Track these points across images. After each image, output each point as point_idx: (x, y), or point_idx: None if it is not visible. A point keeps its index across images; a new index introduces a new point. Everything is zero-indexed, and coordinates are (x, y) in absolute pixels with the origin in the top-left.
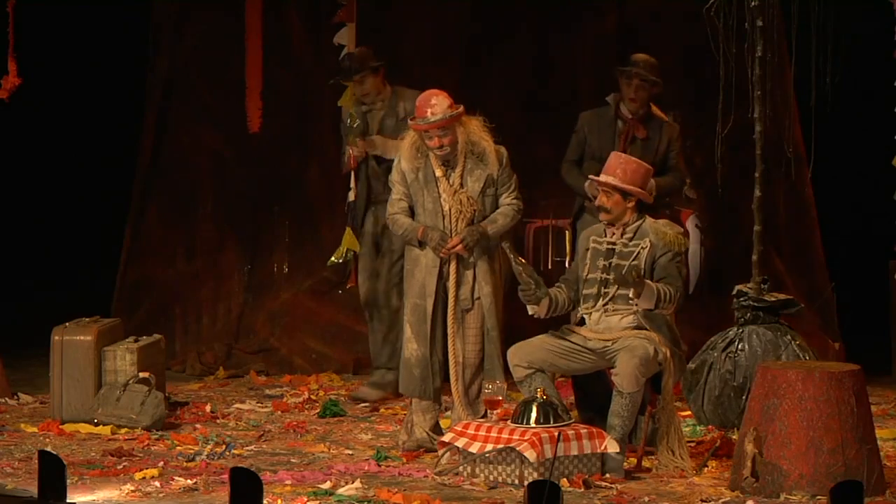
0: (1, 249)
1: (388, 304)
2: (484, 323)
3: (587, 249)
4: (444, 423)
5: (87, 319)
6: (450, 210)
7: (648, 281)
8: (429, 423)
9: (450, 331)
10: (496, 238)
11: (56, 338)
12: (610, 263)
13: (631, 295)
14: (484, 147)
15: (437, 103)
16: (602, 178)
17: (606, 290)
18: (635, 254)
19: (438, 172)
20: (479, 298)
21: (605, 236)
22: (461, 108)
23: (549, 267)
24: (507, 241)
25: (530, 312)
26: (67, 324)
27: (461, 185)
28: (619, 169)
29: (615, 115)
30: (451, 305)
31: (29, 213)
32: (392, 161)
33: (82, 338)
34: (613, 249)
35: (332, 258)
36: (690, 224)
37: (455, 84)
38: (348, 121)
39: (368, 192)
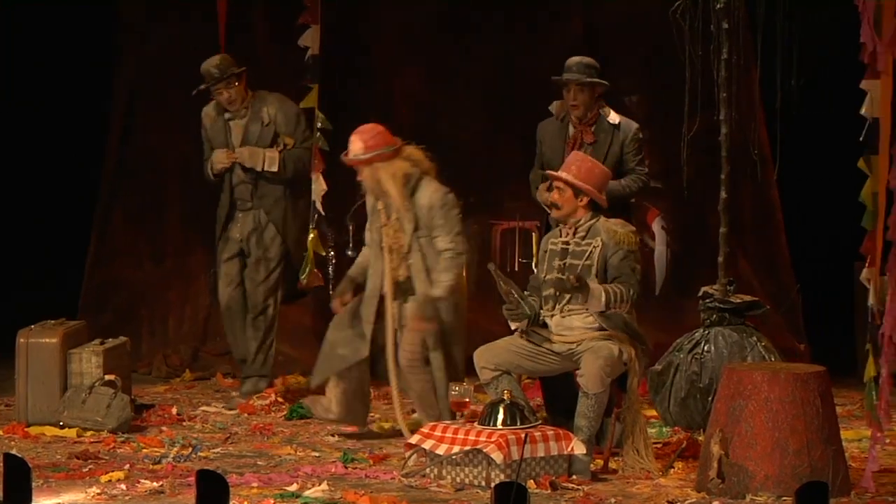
0: None
1: (264, 312)
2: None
3: (546, 252)
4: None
5: (53, 322)
6: (387, 245)
7: (593, 283)
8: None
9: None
10: (448, 294)
11: (21, 340)
12: (564, 263)
13: (579, 301)
14: (397, 189)
15: (352, 142)
16: (555, 173)
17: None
18: (587, 253)
19: (379, 205)
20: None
21: (560, 237)
22: (378, 153)
23: (516, 269)
24: (492, 264)
25: (513, 328)
26: (33, 326)
27: (396, 221)
28: (573, 166)
29: (567, 122)
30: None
31: None
32: (257, 170)
33: (48, 340)
34: (567, 249)
35: (303, 277)
36: (657, 225)
37: (422, 86)
38: (319, 123)
39: (233, 200)
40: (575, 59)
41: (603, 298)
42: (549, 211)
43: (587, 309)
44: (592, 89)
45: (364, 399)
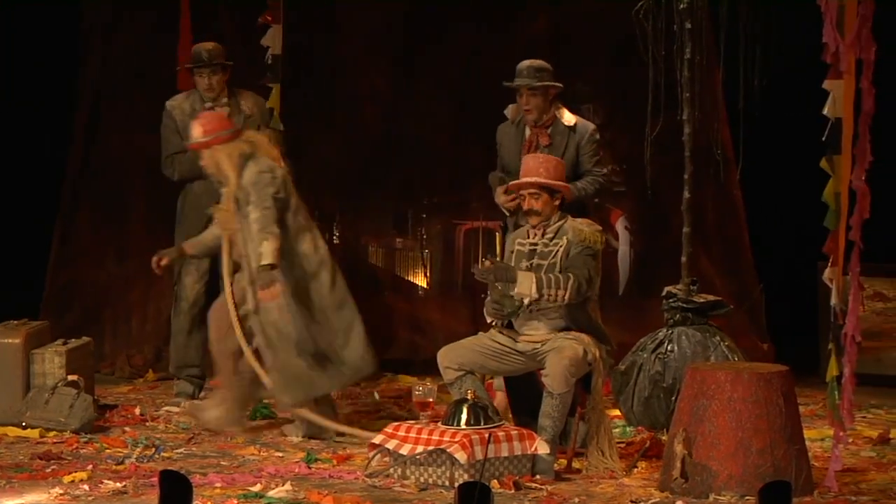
0: None
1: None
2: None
3: (512, 252)
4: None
5: (16, 322)
6: (220, 228)
7: (520, 269)
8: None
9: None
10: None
11: None
12: (531, 264)
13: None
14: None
15: (192, 128)
16: (529, 179)
17: None
18: (554, 253)
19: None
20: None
21: (528, 238)
22: (216, 136)
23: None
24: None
25: (489, 321)
26: None
27: (227, 202)
28: (541, 168)
29: (523, 126)
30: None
31: None
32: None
33: (10, 340)
34: (535, 250)
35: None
36: (620, 226)
37: (388, 86)
38: (277, 126)
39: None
40: (525, 62)
41: (534, 285)
42: (507, 214)
43: (519, 295)
44: (545, 92)
45: (245, 406)
